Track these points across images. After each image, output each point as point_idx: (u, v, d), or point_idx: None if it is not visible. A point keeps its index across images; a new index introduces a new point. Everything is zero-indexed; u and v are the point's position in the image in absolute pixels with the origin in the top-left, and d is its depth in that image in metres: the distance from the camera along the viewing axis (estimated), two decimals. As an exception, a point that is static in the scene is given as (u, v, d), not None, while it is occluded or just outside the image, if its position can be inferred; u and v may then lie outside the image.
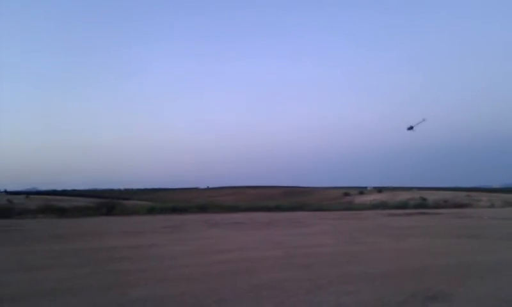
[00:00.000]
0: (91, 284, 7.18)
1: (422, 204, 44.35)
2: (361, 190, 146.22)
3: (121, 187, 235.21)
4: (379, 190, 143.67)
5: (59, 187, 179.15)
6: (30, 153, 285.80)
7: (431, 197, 69.82)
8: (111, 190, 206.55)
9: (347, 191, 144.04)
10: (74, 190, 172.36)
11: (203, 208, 34.09)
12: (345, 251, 11.23)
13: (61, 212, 29.54)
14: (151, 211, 32.39)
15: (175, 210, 33.18)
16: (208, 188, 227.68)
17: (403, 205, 42.20)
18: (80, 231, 18.17)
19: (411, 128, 26.59)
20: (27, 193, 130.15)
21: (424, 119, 27.02)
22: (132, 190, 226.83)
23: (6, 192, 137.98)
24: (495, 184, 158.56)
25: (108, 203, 34.49)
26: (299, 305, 5.73)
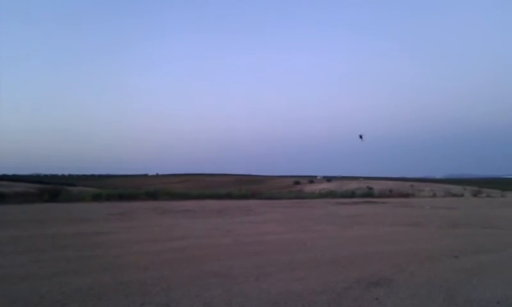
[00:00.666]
0: (33, 272, 6.89)
1: (369, 194, 45.83)
2: (311, 179, 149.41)
3: (66, 173, 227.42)
4: (329, 179, 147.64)
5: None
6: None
7: (377, 186, 72.57)
8: (55, 176, 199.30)
9: (297, 180, 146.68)
10: (15, 175, 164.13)
11: (152, 195, 33.45)
12: (294, 239, 11.40)
13: (1, 198, 28.09)
14: (97, 198, 31.40)
15: (123, 196, 32.37)
16: (158, 175, 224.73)
17: (351, 194, 43.40)
18: (21, 217, 17.34)
19: (361, 137, 28.08)
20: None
21: (362, 136, 28.87)
22: (78, 176, 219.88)
23: None
24: (438, 175, 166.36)
25: (51, 188, 33.02)
26: (248, 292, 5.76)
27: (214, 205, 26.41)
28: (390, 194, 49.64)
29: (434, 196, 50.38)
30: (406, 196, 48.01)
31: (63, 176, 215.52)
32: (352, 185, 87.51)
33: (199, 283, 6.24)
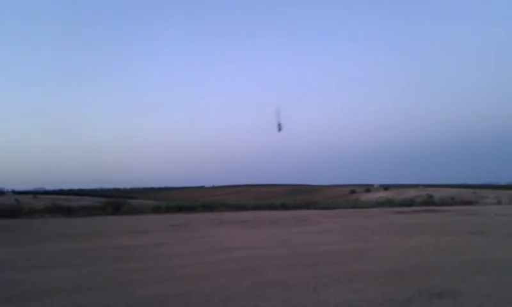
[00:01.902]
0: (99, 283, 7.24)
1: (429, 202, 44.08)
2: (368, 188, 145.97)
3: (127, 186, 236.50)
4: (386, 187, 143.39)
5: (66, 187, 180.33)
6: (37, 153, 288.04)
7: (438, 194, 69.61)
8: (117, 190, 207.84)
9: (353, 189, 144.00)
10: (81, 189, 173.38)
11: (209, 207, 34.12)
12: (351, 249, 11.22)
13: (68, 212, 29.69)
14: (157, 210, 32.46)
15: (181, 208, 33.23)
16: (213, 187, 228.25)
17: (409, 203, 41.95)
18: (87, 230, 18.28)
19: (279, 127, 24.15)
20: (35, 193, 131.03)
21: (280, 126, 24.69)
22: (138, 189, 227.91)
23: (13, 192, 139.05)
24: (502, 181, 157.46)
25: (114, 202, 34.61)
26: (305, 303, 5.74)
27: (269, 216, 26.50)
28: (452, 201, 47.48)
29: (499, 202, 47.69)
30: (469, 203, 45.79)
31: (125, 189, 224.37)
32: (411, 193, 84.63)
33: (257, 293, 6.29)
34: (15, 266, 9.17)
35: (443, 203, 44.66)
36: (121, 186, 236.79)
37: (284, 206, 35.84)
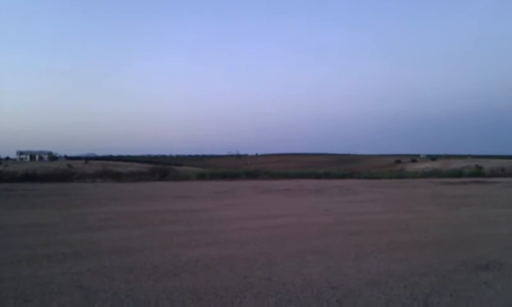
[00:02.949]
0: (147, 244, 7.57)
1: (478, 173, 42.44)
2: (414, 158, 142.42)
3: (173, 153, 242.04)
4: (433, 158, 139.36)
5: (115, 153, 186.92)
6: (88, 121, 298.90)
7: (487, 165, 66.81)
8: (164, 156, 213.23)
9: (398, 159, 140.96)
10: (129, 156, 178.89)
11: (252, 175, 34.49)
12: (395, 219, 11.11)
13: (118, 177, 30.90)
14: (201, 177, 33.17)
15: (225, 176, 33.78)
16: (257, 155, 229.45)
17: (457, 174, 40.58)
18: (135, 194, 18.99)
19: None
20: (86, 158, 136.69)
21: None
22: (184, 156, 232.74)
23: (66, 157, 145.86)
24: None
25: (161, 168, 35.71)
26: (347, 270, 5.78)
27: (312, 185, 26.50)
28: (502, 173, 45.47)
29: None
30: (521, 174, 43.71)
31: (171, 156, 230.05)
32: (459, 164, 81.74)
33: (298, 259, 6.39)
34: (69, 227, 9.69)
35: (493, 174, 42.93)
36: (167, 153, 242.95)
37: (327, 176, 35.68)
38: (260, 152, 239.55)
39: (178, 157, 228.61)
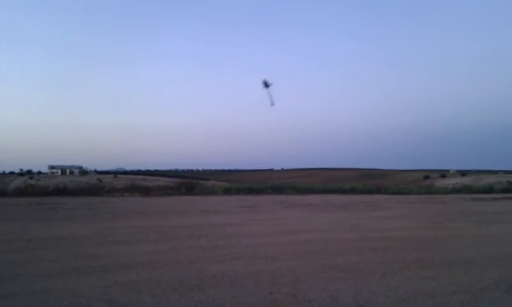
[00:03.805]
0: (173, 258, 7.64)
1: (509, 189, 41.07)
2: (443, 174, 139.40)
3: (200, 168, 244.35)
4: (463, 173, 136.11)
5: (143, 168, 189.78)
6: (118, 136, 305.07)
7: (520, 181, 64.78)
8: (191, 171, 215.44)
9: (427, 174, 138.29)
10: (157, 170, 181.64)
11: (278, 190, 34.35)
12: (423, 236, 10.89)
13: (145, 191, 31.24)
14: (227, 191, 33.23)
15: (251, 190, 33.74)
16: (282, 170, 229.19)
17: (488, 189, 39.33)
18: (162, 209, 19.20)
19: (266, 85, 20.23)
20: (115, 173, 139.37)
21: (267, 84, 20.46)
22: (210, 171, 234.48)
23: (96, 171, 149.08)
24: None
25: (188, 182, 35.99)
26: (375, 288, 5.70)
27: (338, 200, 26.23)
28: (536, 189, 43.96)
29: None
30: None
31: (197, 171, 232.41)
32: (490, 180, 79.44)
33: (324, 276, 6.34)
34: (97, 241, 9.87)
35: (526, 190, 41.53)
36: (194, 168, 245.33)
37: (353, 191, 35.21)
38: (286, 166, 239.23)
39: (204, 171, 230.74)
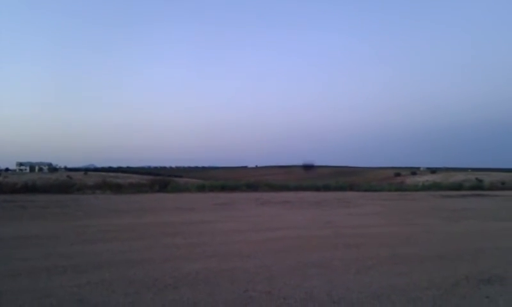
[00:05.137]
0: (147, 257, 7.52)
1: (478, 186, 42.27)
2: (414, 171, 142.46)
3: (173, 165, 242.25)
4: (433, 171, 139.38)
5: (115, 164, 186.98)
6: (88, 132, 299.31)
7: (487, 178, 66.78)
8: (163, 168, 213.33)
9: (398, 172, 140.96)
10: (129, 167, 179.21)
11: (252, 187, 34.35)
12: (396, 232, 11.08)
13: (117, 188, 30.75)
14: (201, 189, 33.02)
15: (225, 188, 33.63)
16: (256, 167, 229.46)
17: (457, 187, 40.42)
18: (135, 206, 18.92)
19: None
20: (85, 170, 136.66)
21: None
22: (183, 168, 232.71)
23: (65, 168, 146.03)
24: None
25: (161, 180, 35.51)
26: (349, 284, 5.75)
27: (312, 197, 26.42)
28: (503, 186, 45.33)
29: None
30: (521, 187, 43.57)
31: (170, 168, 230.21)
32: (459, 177, 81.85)
33: (299, 273, 6.36)
34: (68, 239, 9.62)
35: (493, 187, 42.82)
36: (166, 164, 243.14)
37: (326, 188, 35.58)
38: (260, 164, 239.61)
39: (177, 168, 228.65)
